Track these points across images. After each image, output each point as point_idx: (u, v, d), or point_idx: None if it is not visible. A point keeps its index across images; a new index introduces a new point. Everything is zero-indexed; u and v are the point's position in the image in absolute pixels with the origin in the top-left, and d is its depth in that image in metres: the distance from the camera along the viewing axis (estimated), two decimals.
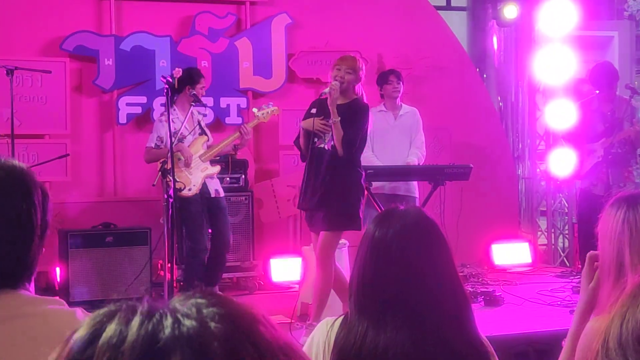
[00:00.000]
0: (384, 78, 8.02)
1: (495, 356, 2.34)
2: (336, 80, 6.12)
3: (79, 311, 2.00)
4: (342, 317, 2.38)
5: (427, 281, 2.26)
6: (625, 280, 2.32)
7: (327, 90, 6.08)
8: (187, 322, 0.86)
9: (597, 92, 8.02)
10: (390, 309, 2.24)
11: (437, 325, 2.23)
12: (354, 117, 6.10)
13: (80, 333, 0.88)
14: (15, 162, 1.99)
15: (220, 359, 0.84)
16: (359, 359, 2.23)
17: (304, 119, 6.30)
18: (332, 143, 6.10)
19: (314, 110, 6.21)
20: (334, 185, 6.07)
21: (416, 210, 2.43)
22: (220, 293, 0.96)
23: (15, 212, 1.91)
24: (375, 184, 7.48)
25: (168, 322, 0.86)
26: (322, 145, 6.16)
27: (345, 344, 2.28)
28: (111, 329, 0.86)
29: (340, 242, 6.84)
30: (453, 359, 2.24)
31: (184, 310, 0.88)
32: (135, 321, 0.86)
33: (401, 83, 7.95)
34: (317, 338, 2.43)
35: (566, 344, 2.51)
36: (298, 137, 6.36)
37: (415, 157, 7.82)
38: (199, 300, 0.90)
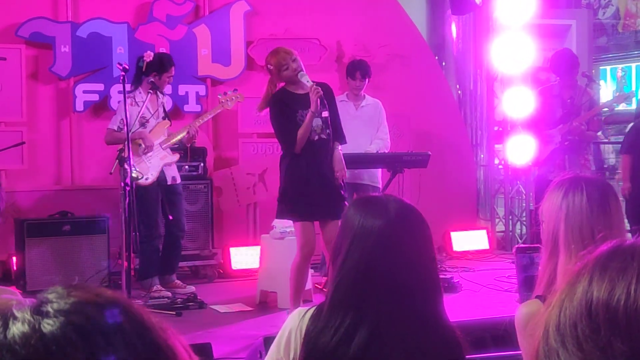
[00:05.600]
0: (351, 72, 7.94)
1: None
2: (300, 73, 6.08)
3: None
4: (314, 308, 2.34)
5: (417, 270, 2.24)
6: (557, 255, 2.41)
7: (310, 82, 6.03)
8: (15, 327, 0.89)
9: (557, 79, 8.09)
10: (378, 299, 2.21)
11: (426, 313, 2.24)
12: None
13: None
14: None
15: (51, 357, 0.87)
16: (336, 356, 2.21)
17: (287, 117, 6.11)
18: (328, 131, 6.12)
19: (325, 113, 6.04)
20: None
21: (398, 198, 2.39)
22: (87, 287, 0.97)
23: None
24: None
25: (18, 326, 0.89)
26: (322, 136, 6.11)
27: (320, 339, 2.24)
28: None
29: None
30: (442, 346, 2.25)
31: (18, 313, 0.91)
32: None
33: (366, 79, 7.90)
34: (289, 327, 2.38)
35: None
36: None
37: (377, 146, 7.83)
38: (45, 298, 0.92)
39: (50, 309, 0.90)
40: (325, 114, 5.99)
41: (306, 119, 5.99)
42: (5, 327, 0.88)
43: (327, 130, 6.09)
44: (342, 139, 6.24)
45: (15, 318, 0.89)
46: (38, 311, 0.90)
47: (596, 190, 2.48)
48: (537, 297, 2.47)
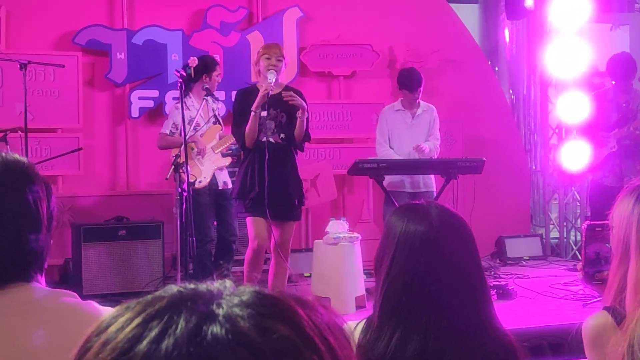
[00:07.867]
0: (406, 84, 7.68)
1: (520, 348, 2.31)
2: (270, 70, 6.17)
3: (93, 304, 2.01)
4: (364, 321, 2.31)
5: (462, 274, 2.22)
6: (628, 262, 2.36)
7: (271, 80, 6.10)
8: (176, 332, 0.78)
9: (613, 82, 7.98)
10: (426, 306, 2.18)
11: (476, 318, 2.21)
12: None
13: (125, 331, 0.79)
14: (17, 156, 2.01)
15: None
16: None
17: (241, 113, 6.25)
18: (282, 136, 6.24)
19: (264, 113, 6.15)
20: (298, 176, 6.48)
21: (440, 204, 2.36)
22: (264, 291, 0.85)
23: (20, 203, 1.92)
24: (394, 182, 7.46)
25: (216, 329, 0.78)
26: (271, 140, 6.21)
27: (373, 352, 2.21)
28: (154, 334, 0.78)
29: (353, 235, 6.85)
30: (497, 351, 2.21)
31: (233, 313, 0.80)
32: (180, 326, 0.78)
33: (421, 88, 7.75)
34: None
35: None
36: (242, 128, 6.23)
37: (430, 145, 7.72)
38: (246, 299, 0.82)
39: (220, 318, 0.79)
40: (263, 113, 6.12)
41: (250, 116, 6.11)
42: (162, 336, 0.78)
43: (281, 135, 6.25)
44: (298, 147, 6.35)
45: (181, 321, 0.79)
46: (204, 319, 0.79)
47: None
48: (605, 308, 2.42)
